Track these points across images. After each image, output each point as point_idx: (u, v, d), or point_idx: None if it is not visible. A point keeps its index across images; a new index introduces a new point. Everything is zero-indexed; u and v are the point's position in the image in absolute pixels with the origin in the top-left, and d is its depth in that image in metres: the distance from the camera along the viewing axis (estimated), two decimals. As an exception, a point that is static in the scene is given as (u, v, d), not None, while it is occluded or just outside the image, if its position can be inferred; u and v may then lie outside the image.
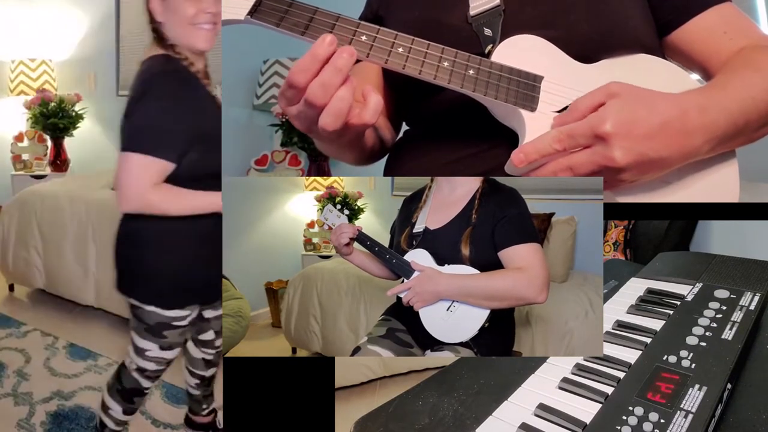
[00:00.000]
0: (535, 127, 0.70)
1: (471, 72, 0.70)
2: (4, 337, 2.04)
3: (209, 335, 1.36)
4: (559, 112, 0.71)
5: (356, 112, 0.64)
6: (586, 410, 0.58)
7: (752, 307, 0.81)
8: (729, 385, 0.61)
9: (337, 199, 3.01)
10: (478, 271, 1.00)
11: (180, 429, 1.55)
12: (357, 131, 0.67)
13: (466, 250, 1.01)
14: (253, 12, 0.67)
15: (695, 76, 0.83)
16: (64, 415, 1.58)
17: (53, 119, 3.00)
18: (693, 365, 0.65)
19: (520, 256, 0.98)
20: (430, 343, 1.04)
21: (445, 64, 0.69)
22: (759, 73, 0.72)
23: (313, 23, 0.67)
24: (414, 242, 1.09)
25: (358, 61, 0.64)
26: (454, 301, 1.00)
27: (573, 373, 0.67)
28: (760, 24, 2.22)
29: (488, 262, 1.00)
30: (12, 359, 1.88)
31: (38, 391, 1.69)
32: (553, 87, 0.72)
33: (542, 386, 0.66)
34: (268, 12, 0.67)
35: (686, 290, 0.92)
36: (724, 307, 0.82)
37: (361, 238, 1.13)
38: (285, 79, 0.64)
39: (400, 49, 0.68)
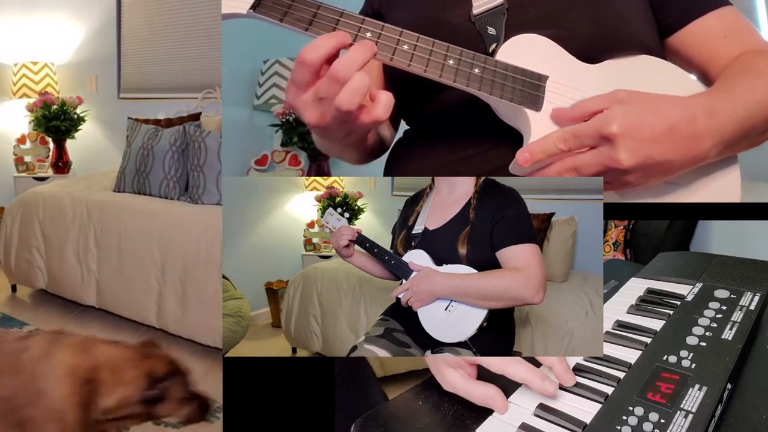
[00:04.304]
0: (539, 127, 0.70)
1: (476, 71, 0.70)
2: (5, 338, 2.04)
3: None
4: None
5: (367, 108, 0.63)
6: (586, 410, 0.57)
7: (752, 307, 0.81)
8: (729, 385, 0.60)
9: (337, 199, 3.00)
10: (475, 271, 1.00)
11: (180, 429, 1.55)
12: (367, 128, 0.66)
13: (463, 250, 1.01)
14: (255, 6, 0.65)
15: (695, 78, 0.83)
16: (66, 416, 1.58)
17: (55, 122, 3.01)
18: (693, 365, 0.64)
19: (517, 256, 0.98)
20: (428, 343, 1.04)
21: (451, 62, 0.69)
22: (761, 79, 0.72)
23: (317, 18, 0.66)
24: (413, 243, 1.09)
25: None
26: (452, 300, 1.00)
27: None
28: (760, 27, 2.21)
29: (486, 262, 1.00)
30: (13, 360, 1.88)
31: (39, 392, 1.69)
32: (557, 87, 0.72)
33: (542, 386, 0.65)
34: (271, 6, 0.66)
35: (686, 290, 0.92)
36: (724, 307, 0.82)
37: (361, 240, 1.14)
38: (294, 64, 0.62)
39: (405, 47, 0.68)
